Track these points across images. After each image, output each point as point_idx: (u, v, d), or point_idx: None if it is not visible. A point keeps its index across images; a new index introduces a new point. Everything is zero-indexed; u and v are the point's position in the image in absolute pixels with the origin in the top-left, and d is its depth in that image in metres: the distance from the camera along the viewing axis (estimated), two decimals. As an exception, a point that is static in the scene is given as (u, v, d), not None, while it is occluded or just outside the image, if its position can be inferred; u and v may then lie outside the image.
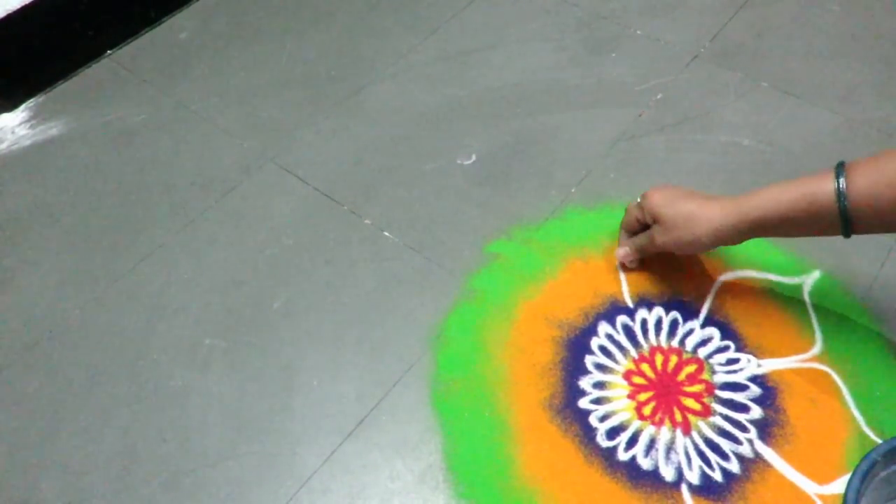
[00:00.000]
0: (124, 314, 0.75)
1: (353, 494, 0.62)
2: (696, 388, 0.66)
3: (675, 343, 0.69)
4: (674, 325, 0.70)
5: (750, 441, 0.63)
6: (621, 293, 0.73)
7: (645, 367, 0.68)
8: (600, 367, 0.68)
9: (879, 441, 0.62)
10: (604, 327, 0.71)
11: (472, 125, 0.90)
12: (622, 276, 0.74)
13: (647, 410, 0.65)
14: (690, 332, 0.70)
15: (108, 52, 1.03)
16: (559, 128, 0.89)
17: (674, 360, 0.68)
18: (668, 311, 0.71)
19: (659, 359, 0.68)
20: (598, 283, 0.74)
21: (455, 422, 0.65)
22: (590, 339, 0.70)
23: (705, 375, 0.67)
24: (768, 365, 0.67)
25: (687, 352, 0.69)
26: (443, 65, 0.98)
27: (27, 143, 0.92)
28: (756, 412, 0.65)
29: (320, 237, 0.80)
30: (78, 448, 0.66)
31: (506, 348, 0.69)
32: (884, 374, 0.66)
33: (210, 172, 0.87)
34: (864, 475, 0.52)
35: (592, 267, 0.75)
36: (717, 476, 0.61)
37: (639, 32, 1.00)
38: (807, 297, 0.72)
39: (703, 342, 0.69)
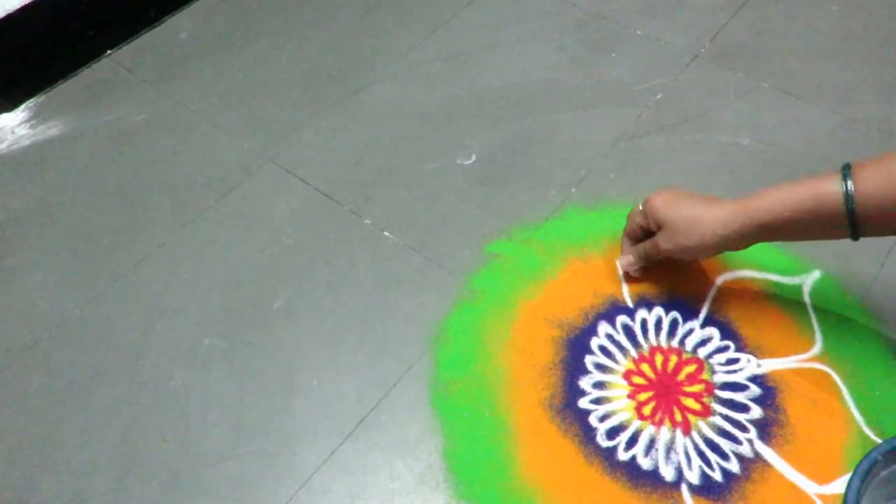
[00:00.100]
0: (124, 314, 0.75)
1: (353, 494, 0.62)
2: (696, 387, 0.66)
3: (674, 343, 0.69)
4: (674, 325, 0.70)
5: (750, 441, 0.63)
6: (621, 293, 0.73)
7: (645, 366, 0.68)
8: (600, 367, 0.68)
9: (879, 441, 0.62)
10: (604, 327, 0.71)
11: (472, 125, 0.90)
12: (622, 275, 0.74)
13: (647, 410, 0.65)
14: (690, 331, 0.70)
15: (108, 52, 1.03)
16: (559, 128, 0.89)
17: (674, 359, 0.68)
18: (668, 311, 0.71)
19: (659, 359, 0.68)
20: (598, 283, 0.74)
21: (455, 422, 0.65)
22: (590, 338, 0.70)
23: (705, 375, 0.67)
24: (768, 365, 0.67)
25: (687, 352, 0.69)
26: (443, 65, 0.98)
27: (27, 143, 0.92)
28: (756, 412, 0.65)
29: (320, 237, 0.80)
30: (78, 448, 0.66)
31: (506, 348, 0.69)
32: (884, 374, 0.66)
33: (210, 172, 0.87)
34: (865, 475, 0.52)
35: (592, 267, 0.75)
36: (717, 476, 0.61)
37: (639, 32, 1.00)
38: (807, 297, 0.72)
39: (703, 342, 0.69)
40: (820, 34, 0.98)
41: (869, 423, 0.63)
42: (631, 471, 0.62)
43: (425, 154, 0.87)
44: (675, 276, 0.73)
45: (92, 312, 0.75)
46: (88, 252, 0.80)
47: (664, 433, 0.64)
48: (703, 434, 0.64)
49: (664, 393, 0.66)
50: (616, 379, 0.67)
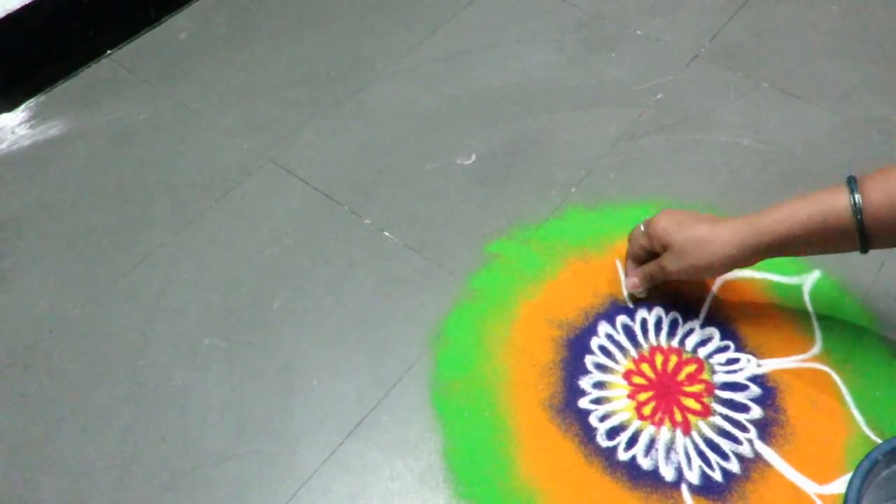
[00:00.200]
0: (124, 314, 0.75)
1: (353, 494, 0.62)
2: (696, 387, 0.66)
3: (674, 343, 0.69)
4: (674, 325, 0.70)
5: (750, 441, 0.63)
6: (621, 293, 0.73)
7: (645, 366, 0.68)
8: (600, 367, 0.68)
9: (879, 441, 0.62)
10: (604, 327, 0.71)
11: (472, 125, 0.90)
12: (622, 275, 0.74)
13: (647, 410, 0.65)
14: (690, 331, 0.70)
15: (108, 52, 1.03)
16: (559, 128, 0.89)
17: (674, 359, 0.68)
18: (668, 311, 0.71)
19: (659, 359, 0.68)
20: (598, 283, 0.74)
21: (455, 422, 0.65)
22: (590, 338, 0.70)
23: (705, 375, 0.67)
24: (768, 365, 0.67)
25: (687, 352, 0.69)
26: (443, 65, 0.98)
27: (27, 143, 0.92)
28: (756, 412, 0.65)
29: (320, 237, 0.80)
30: (78, 448, 0.66)
31: (506, 348, 0.69)
32: (884, 375, 0.66)
33: (210, 172, 0.87)
34: (866, 475, 0.52)
35: (592, 267, 0.75)
36: (717, 476, 0.61)
37: (639, 32, 1.00)
38: (807, 297, 0.72)
39: (703, 342, 0.69)
40: (820, 34, 0.98)
41: (869, 423, 0.63)
42: (631, 471, 0.62)
43: (425, 154, 0.87)
44: (675, 276, 0.73)
45: (92, 312, 0.75)
46: (88, 252, 0.80)
47: (664, 433, 0.64)
48: (703, 434, 0.64)
49: (664, 393, 0.66)
50: (616, 379, 0.67)
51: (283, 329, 0.73)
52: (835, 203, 0.57)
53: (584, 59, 0.97)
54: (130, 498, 0.63)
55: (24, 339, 0.73)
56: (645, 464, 0.62)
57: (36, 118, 0.95)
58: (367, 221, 0.81)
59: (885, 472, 0.54)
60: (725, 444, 0.63)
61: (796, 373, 0.67)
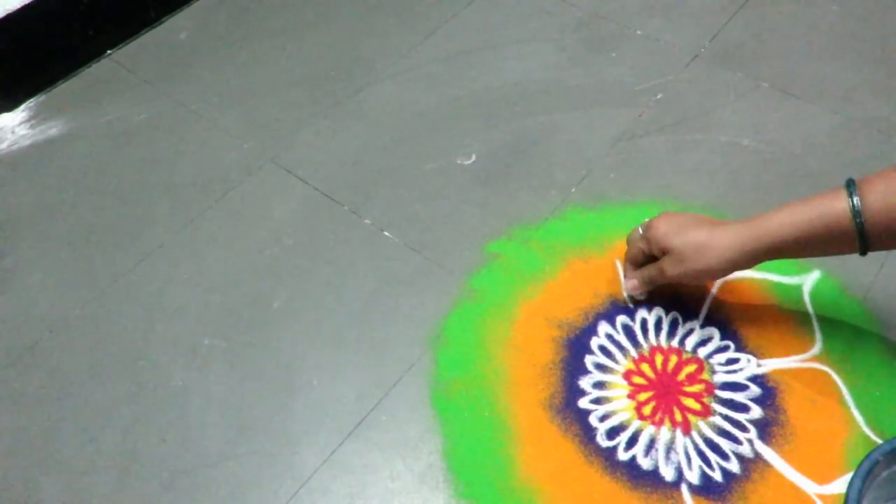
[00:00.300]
0: (124, 314, 0.75)
1: (353, 494, 0.62)
2: (696, 387, 0.66)
3: (674, 343, 0.69)
4: (674, 325, 0.70)
5: (750, 441, 0.63)
6: (621, 293, 0.73)
7: (645, 366, 0.68)
8: (600, 367, 0.68)
9: (879, 441, 0.62)
10: (604, 327, 0.71)
11: (472, 125, 0.90)
12: (622, 276, 0.74)
13: (647, 410, 0.65)
14: (690, 331, 0.70)
15: (108, 52, 1.03)
16: (559, 128, 0.89)
17: (674, 359, 0.68)
18: (668, 310, 0.71)
19: (659, 359, 0.68)
20: (598, 283, 0.74)
21: (455, 422, 0.65)
22: (590, 338, 0.70)
23: (705, 375, 0.67)
24: (768, 365, 0.67)
25: (687, 352, 0.69)
26: (443, 65, 0.98)
27: (27, 143, 0.92)
28: (756, 412, 0.65)
29: (320, 237, 0.80)
30: (78, 448, 0.66)
31: (506, 348, 0.69)
32: (884, 374, 0.66)
33: (210, 172, 0.87)
34: (866, 475, 0.52)
35: (592, 267, 0.75)
36: (717, 476, 0.61)
37: (639, 32, 1.00)
38: (807, 298, 0.72)
39: (703, 342, 0.69)
40: (820, 34, 0.98)
41: (869, 423, 0.63)
42: (631, 471, 0.62)
43: (425, 154, 0.87)
44: (675, 276, 0.73)
45: (92, 312, 0.75)
46: (88, 252, 0.80)
47: (664, 433, 0.64)
48: (703, 434, 0.64)
49: (664, 393, 0.66)
50: (616, 379, 0.67)
51: (283, 329, 0.73)
52: (834, 206, 0.57)
53: (584, 59, 0.97)
54: (130, 498, 0.63)
55: (24, 339, 0.73)
56: (645, 464, 0.62)
57: (36, 118, 0.95)
58: (367, 221, 0.81)
59: (885, 473, 0.54)
60: (725, 444, 0.63)
61: (796, 373, 0.67)
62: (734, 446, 0.63)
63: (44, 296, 0.77)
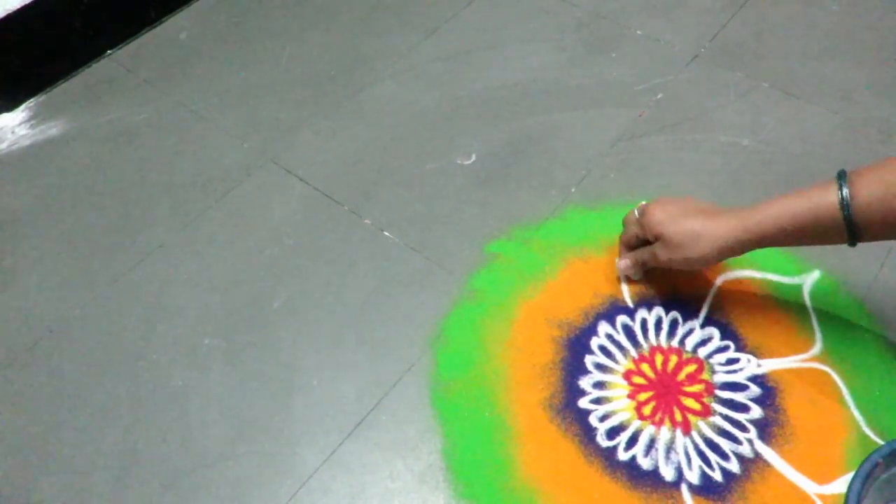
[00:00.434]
0: (124, 314, 0.75)
1: (353, 494, 0.62)
2: (696, 387, 0.66)
3: (674, 343, 0.69)
4: (674, 325, 0.70)
5: (750, 441, 0.63)
6: (621, 293, 0.73)
7: (645, 366, 0.68)
8: (600, 367, 0.68)
9: (879, 441, 0.62)
10: (604, 327, 0.71)
11: (472, 125, 0.90)
12: (623, 277, 0.74)
13: (647, 410, 0.65)
14: (690, 331, 0.70)
15: (108, 52, 1.03)
16: (559, 128, 0.89)
17: (674, 359, 0.68)
18: (668, 310, 0.71)
19: (659, 359, 0.68)
20: (598, 283, 0.74)
21: (455, 422, 0.65)
22: (590, 338, 0.70)
23: (705, 375, 0.67)
24: (768, 365, 0.67)
25: (687, 352, 0.69)
26: (443, 65, 0.98)
27: (27, 143, 0.92)
28: (756, 412, 0.65)
29: (320, 237, 0.80)
30: (78, 448, 0.66)
31: (506, 348, 0.69)
32: (884, 374, 0.66)
33: (210, 172, 0.87)
34: (866, 477, 0.52)
35: (592, 267, 0.75)
36: (717, 476, 0.61)
37: (639, 32, 1.00)
38: (807, 297, 0.72)
39: (703, 342, 0.69)
40: (820, 34, 0.98)
41: (869, 423, 0.63)
42: (631, 471, 0.62)
43: (425, 154, 0.87)
44: (675, 276, 0.73)
45: (92, 312, 0.75)
46: (88, 252, 0.80)
47: (664, 433, 0.64)
48: (703, 434, 0.64)
49: (664, 393, 0.66)
50: (616, 379, 0.67)
51: (283, 329, 0.73)
52: (824, 198, 0.58)
53: (584, 59, 0.97)
54: (130, 498, 0.63)
55: (24, 339, 0.73)
56: (645, 464, 0.62)
57: (36, 118, 0.95)
58: (367, 221, 0.81)
59: (884, 475, 0.54)
60: (725, 444, 0.63)
61: (796, 373, 0.67)
62: (734, 446, 0.63)
63: (44, 296, 0.77)
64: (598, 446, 0.63)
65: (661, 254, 0.66)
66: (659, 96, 0.91)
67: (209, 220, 0.82)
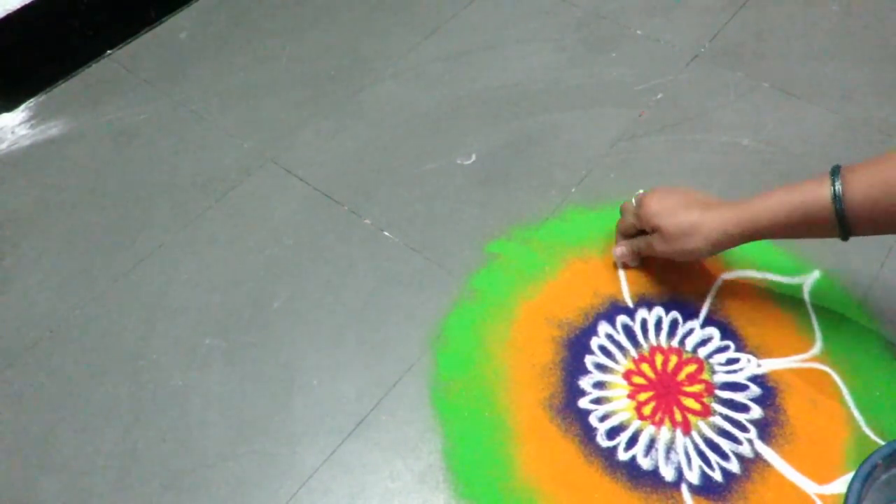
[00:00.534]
0: (124, 314, 0.75)
1: (353, 494, 0.62)
2: (696, 387, 0.66)
3: (675, 343, 0.69)
4: (674, 325, 0.70)
5: (750, 441, 0.63)
6: (621, 293, 0.73)
7: (645, 366, 0.68)
8: (600, 367, 0.68)
9: (879, 441, 0.62)
10: (604, 327, 0.71)
11: (472, 125, 0.90)
12: (622, 276, 0.74)
13: (647, 410, 0.65)
14: (690, 331, 0.70)
15: (108, 52, 1.03)
16: (559, 128, 0.89)
17: (674, 359, 0.68)
18: (668, 311, 0.71)
19: (659, 359, 0.68)
20: (598, 283, 0.74)
21: (455, 422, 0.65)
22: (590, 338, 0.70)
23: (705, 375, 0.67)
24: (768, 365, 0.67)
25: (687, 352, 0.69)
26: (443, 65, 0.98)
27: (27, 143, 0.92)
28: (756, 412, 0.65)
29: (320, 237, 0.80)
30: (78, 448, 0.66)
31: (506, 348, 0.69)
32: (884, 374, 0.66)
33: (210, 172, 0.87)
34: (865, 479, 0.52)
35: (592, 267, 0.75)
36: (717, 476, 0.61)
37: (639, 32, 1.00)
38: (807, 297, 0.72)
39: (703, 342, 0.69)
40: (820, 34, 0.98)
41: (869, 423, 0.63)
42: (631, 471, 0.62)
43: (425, 154, 0.87)
44: (675, 276, 0.73)
45: (92, 312, 0.75)
46: (88, 252, 0.80)
47: (664, 433, 0.64)
48: (703, 434, 0.64)
49: (664, 393, 0.66)
50: (616, 379, 0.67)
51: (283, 329, 0.73)
52: (817, 192, 0.58)
53: (584, 59, 0.97)
54: (130, 498, 0.63)
55: (24, 339, 0.73)
56: (645, 464, 0.62)
57: (36, 118, 0.95)
58: (367, 221, 0.81)
59: (884, 476, 0.54)
60: (725, 444, 0.63)
61: (796, 373, 0.67)
62: (734, 446, 0.63)
63: (44, 296, 0.77)
64: (598, 446, 0.63)
65: (657, 245, 0.68)
66: (659, 96, 0.91)
67: (209, 220, 0.82)
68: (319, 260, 0.78)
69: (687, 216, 0.65)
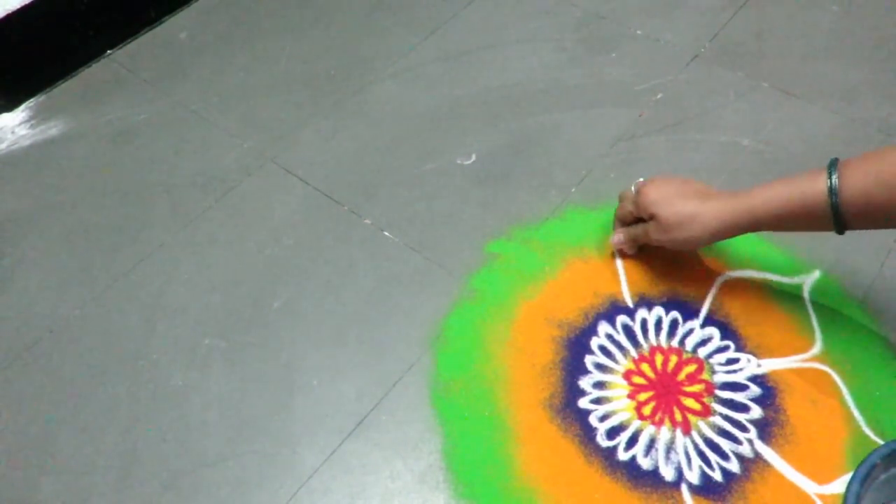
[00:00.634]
0: (124, 314, 0.75)
1: (353, 494, 0.62)
2: (696, 387, 0.66)
3: (674, 343, 0.69)
4: (674, 325, 0.70)
5: (750, 441, 0.63)
6: (621, 293, 0.73)
7: (645, 366, 0.68)
8: (600, 367, 0.68)
9: (879, 441, 0.62)
10: (604, 327, 0.71)
11: (472, 125, 0.90)
12: (622, 276, 0.74)
13: (646, 410, 0.65)
14: (690, 331, 0.70)
15: (108, 52, 1.03)
16: (559, 128, 0.89)
17: (674, 359, 0.68)
18: (668, 310, 0.71)
19: (659, 359, 0.68)
20: (598, 283, 0.74)
21: (455, 422, 0.65)
22: (590, 338, 0.70)
23: (705, 375, 0.67)
24: (768, 365, 0.67)
25: (687, 352, 0.69)
26: (443, 65, 0.98)
27: (27, 143, 0.92)
28: (756, 412, 0.65)
29: (320, 237, 0.80)
30: (78, 448, 0.66)
31: (506, 348, 0.69)
32: (884, 374, 0.66)
33: (210, 172, 0.87)
34: (864, 479, 0.52)
35: (592, 267, 0.75)
36: (717, 476, 0.61)
37: (638, 32, 1.00)
38: (807, 297, 0.72)
39: (703, 342, 0.69)
40: (820, 34, 0.98)
41: (869, 423, 0.63)
42: (631, 471, 0.62)
43: (425, 154, 0.87)
44: (675, 276, 0.73)
45: (92, 312, 0.75)
46: (88, 252, 0.80)
47: (664, 433, 0.64)
48: (703, 434, 0.64)
49: (664, 393, 0.66)
50: (616, 379, 0.67)
51: (283, 329, 0.73)
52: (814, 185, 0.59)
53: (584, 59, 0.97)
54: (130, 498, 0.63)
55: (24, 339, 0.73)
56: (645, 464, 0.62)
57: (36, 118, 0.95)
58: (367, 221, 0.81)
59: (883, 476, 0.54)
60: (725, 444, 0.63)
61: (796, 373, 0.67)
62: (734, 446, 0.63)
63: (44, 296, 0.77)
64: (598, 446, 0.63)
65: (654, 233, 0.68)
66: (659, 96, 0.91)
67: (209, 220, 0.82)
68: (319, 260, 0.78)
69: (684, 206, 0.65)
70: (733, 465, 0.62)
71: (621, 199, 0.74)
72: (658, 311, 0.72)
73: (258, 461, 0.64)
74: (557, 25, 1.01)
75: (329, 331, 0.72)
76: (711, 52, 0.96)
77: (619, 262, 0.75)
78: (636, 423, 0.64)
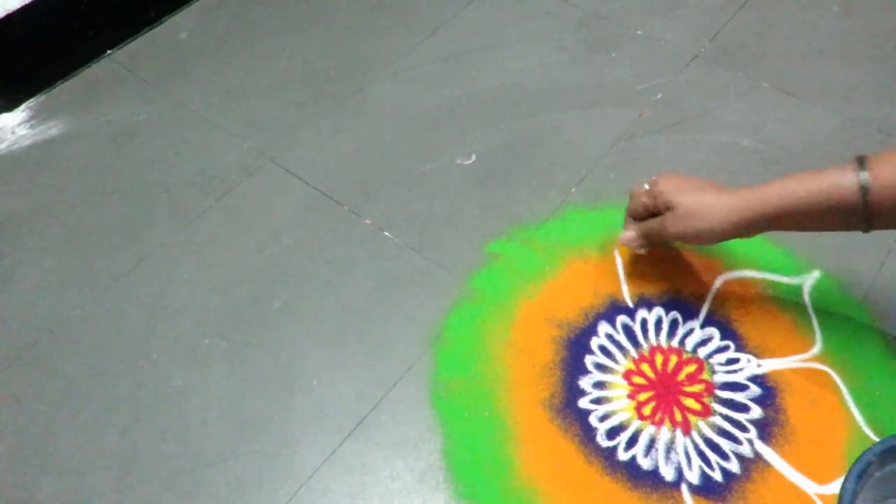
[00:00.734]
0: (124, 314, 0.75)
1: (353, 494, 0.62)
2: (696, 387, 0.66)
3: (675, 343, 0.69)
4: (674, 325, 0.70)
5: (750, 441, 0.63)
6: (621, 293, 0.73)
7: (645, 366, 0.68)
8: (600, 367, 0.68)
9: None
10: (604, 327, 0.71)
11: (472, 125, 0.90)
12: (622, 276, 0.74)
13: (646, 410, 0.65)
14: (690, 331, 0.70)
15: (108, 52, 1.03)
16: (559, 128, 0.89)
17: (674, 359, 0.68)
18: (668, 310, 0.71)
19: (659, 359, 0.68)
20: (598, 283, 0.74)
21: (455, 422, 0.65)
22: (590, 338, 0.70)
23: (705, 375, 0.67)
24: (768, 365, 0.67)
25: (687, 352, 0.69)
26: (443, 65, 0.98)
27: (27, 143, 0.92)
28: (756, 412, 0.65)
29: (320, 237, 0.80)
30: (78, 448, 0.66)
31: (506, 348, 0.69)
32: (884, 374, 0.66)
33: (210, 172, 0.87)
34: (859, 476, 0.52)
35: (592, 267, 0.75)
36: (717, 476, 0.61)
37: (639, 32, 1.00)
38: (807, 297, 0.72)
39: (703, 342, 0.69)
40: (820, 34, 0.98)
41: (869, 423, 0.63)
42: (631, 471, 0.62)
43: (425, 154, 0.87)
44: (675, 275, 0.73)
45: (92, 312, 0.75)
46: (88, 252, 0.80)
47: (664, 433, 0.64)
48: (703, 434, 0.64)
49: (664, 393, 0.66)
50: (616, 379, 0.67)
51: (283, 329, 0.73)
52: (841, 180, 0.57)
53: (584, 59, 0.97)
54: (130, 498, 0.63)
55: (24, 339, 0.73)
56: (645, 464, 0.62)
57: (36, 118, 0.95)
58: (367, 221, 0.81)
59: (878, 473, 0.54)
60: (725, 444, 0.63)
61: (796, 373, 0.67)
62: (734, 446, 0.63)
63: (44, 296, 0.77)
64: (598, 446, 0.63)
65: (671, 224, 0.65)
66: (659, 96, 0.91)
67: (209, 220, 0.82)
68: (319, 260, 0.78)
69: (704, 194, 0.63)
70: (733, 465, 0.62)
71: (632, 195, 0.70)
72: (658, 311, 0.72)
73: (258, 461, 0.64)
74: (557, 25, 1.01)
75: (329, 331, 0.72)
76: (711, 52, 0.96)
77: (619, 263, 0.75)
78: (636, 423, 0.64)
